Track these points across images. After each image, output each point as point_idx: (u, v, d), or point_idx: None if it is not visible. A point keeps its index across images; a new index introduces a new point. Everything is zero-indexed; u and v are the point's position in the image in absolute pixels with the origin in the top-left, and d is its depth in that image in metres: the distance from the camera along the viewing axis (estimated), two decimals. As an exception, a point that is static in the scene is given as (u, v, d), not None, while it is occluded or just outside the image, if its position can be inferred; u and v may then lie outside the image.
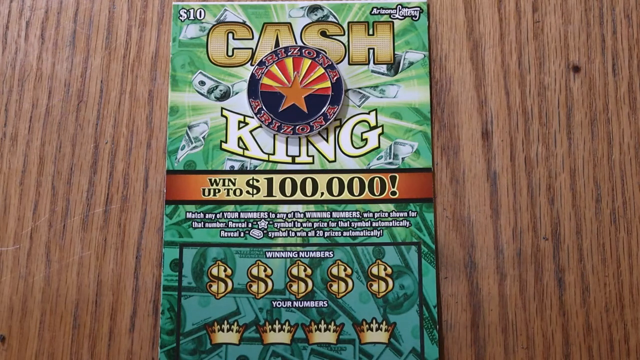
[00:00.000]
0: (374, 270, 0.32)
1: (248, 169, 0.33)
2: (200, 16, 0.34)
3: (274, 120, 0.33)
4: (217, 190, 0.33)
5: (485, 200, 0.32)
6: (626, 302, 0.31)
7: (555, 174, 0.33)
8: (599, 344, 0.31)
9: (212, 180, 0.33)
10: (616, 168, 0.33)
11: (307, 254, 0.32)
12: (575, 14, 0.34)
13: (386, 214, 0.32)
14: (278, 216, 0.32)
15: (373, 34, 0.34)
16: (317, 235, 0.32)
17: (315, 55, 0.34)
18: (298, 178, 0.33)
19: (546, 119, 0.33)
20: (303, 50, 0.34)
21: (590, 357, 0.31)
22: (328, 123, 0.33)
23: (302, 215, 0.32)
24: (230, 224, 0.32)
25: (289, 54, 0.34)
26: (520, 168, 0.33)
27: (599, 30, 0.34)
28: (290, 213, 0.32)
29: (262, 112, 0.33)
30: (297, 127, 0.33)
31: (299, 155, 0.33)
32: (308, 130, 0.33)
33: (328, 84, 0.34)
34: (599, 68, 0.34)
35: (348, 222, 0.32)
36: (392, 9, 0.34)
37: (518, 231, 0.32)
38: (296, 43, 0.34)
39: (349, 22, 0.34)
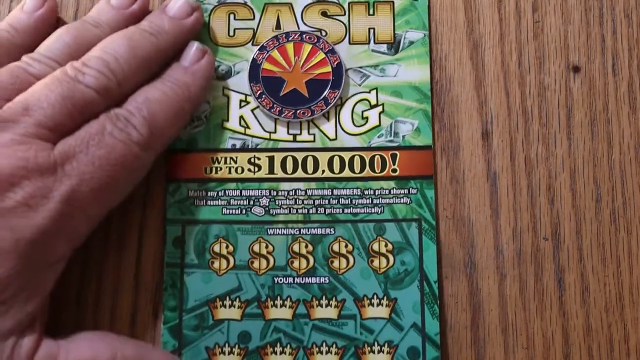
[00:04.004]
0: (375, 247, 0.32)
1: (249, 147, 0.33)
2: (201, -3, 0.35)
3: (275, 105, 0.33)
4: (219, 168, 0.33)
5: (485, 200, 0.33)
6: (626, 302, 0.31)
7: (555, 174, 0.33)
8: (599, 344, 0.31)
9: (214, 159, 0.33)
10: (616, 168, 0.33)
11: (308, 231, 0.32)
12: (575, 14, 0.34)
13: (387, 191, 0.33)
14: (279, 194, 0.33)
15: (373, 14, 0.35)
16: (319, 212, 0.32)
17: (316, 41, 0.34)
18: (299, 156, 0.33)
19: (546, 119, 0.33)
20: (304, 36, 0.34)
21: (590, 357, 0.31)
22: (329, 107, 0.33)
23: (304, 192, 0.33)
24: (232, 201, 0.33)
25: (290, 39, 0.34)
26: (520, 168, 0.33)
27: (599, 30, 0.34)
28: (292, 190, 0.33)
29: (264, 96, 0.34)
30: (298, 112, 0.33)
31: (300, 134, 0.33)
32: (309, 114, 0.33)
33: (329, 68, 0.34)
34: (599, 68, 0.34)
35: (349, 200, 0.33)
36: (392, -11, 0.35)
37: (518, 231, 0.32)
38: (297, 23, 0.35)
39: (349, 2, 0.35)
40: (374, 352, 0.31)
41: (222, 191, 0.33)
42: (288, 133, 0.33)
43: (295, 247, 0.32)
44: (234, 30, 0.35)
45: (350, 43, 0.34)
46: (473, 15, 0.34)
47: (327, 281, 0.32)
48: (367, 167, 0.33)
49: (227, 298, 0.32)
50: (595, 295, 0.31)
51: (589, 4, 0.34)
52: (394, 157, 0.33)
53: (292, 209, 0.33)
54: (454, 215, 0.32)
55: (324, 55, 0.34)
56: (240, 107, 0.34)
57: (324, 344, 0.31)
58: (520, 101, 0.33)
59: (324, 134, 0.33)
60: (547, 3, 0.34)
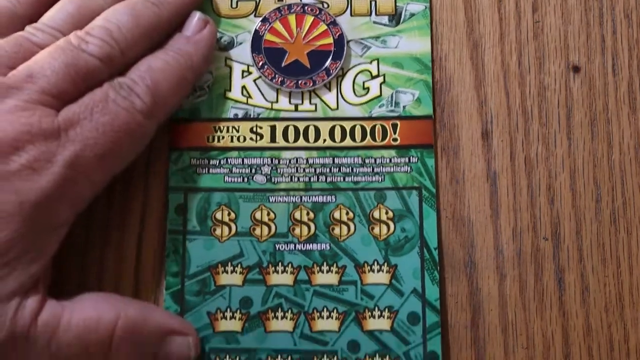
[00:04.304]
0: (376, 214, 0.32)
1: (251, 116, 0.34)
2: (204, -31, 0.35)
3: (277, 75, 0.34)
4: (221, 137, 0.33)
5: (485, 200, 0.33)
6: (626, 302, 0.32)
7: (555, 174, 0.33)
8: (599, 344, 0.31)
9: (216, 128, 0.33)
10: (616, 168, 0.33)
11: (309, 199, 0.33)
12: (575, 14, 0.35)
13: (387, 159, 0.33)
14: (281, 162, 0.33)
15: (375, -14, 0.35)
16: (320, 180, 0.33)
17: (317, 12, 0.35)
18: (301, 125, 0.33)
19: (546, 119, 0.33)
20: (306, 7, 0.35)
21: (590, 357, 0.31)
22: (330, 78, 0.34)
23: (305, 161, 0.33)
24: (234, 169, 0.33)
25: (292, 10, 0.35)
26: (520, 168, 0.33)
27: (599, 30, 0.34)
28: (293, 159, 0.33)
29: (266, 67, 0.34)
30: (300, 82, 0.34)
31: (302, 104, 0.34)
32: (311, 85, 0.34)
33: (330, 40, 0.34)
34: (599, 68, 0.34)
35: (350, 168, 0.33)
36: (393, -39, 0.35)
37: (518, 231, 0.32)
38: (299, -5, 0.35)
39: (351, -26, 0.35)
40: (374, 317, 0.31)
41: (224, 159, 0.33)
42: (290, 103, 0.34)
43: (297, 215, 0.32)
44: (237, 2, 0.35)
45: (351, 15, 0.35)
46: (473, 15, 0.35)
47: (328, 248, 0.32)
48: (368, 137, 0.33)
49: (229, 264, 0.32)
50: (595, 295, 0.32)
51: (589, 4, 0.35)
52: (394, 126, 0.33)
53: (293, 177, 0.33)
54: (454, 215, 0.33)
55: (325, 27, 0.34)
56: (243, 77, 0.34)
57: (325, 309, 0.31)
58: (520, 101, 0.34)
59: (325, 104, 0.34)
60: (547, 3, 0.35)
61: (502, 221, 0.32)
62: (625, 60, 0.34)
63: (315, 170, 0.33)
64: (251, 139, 0.33)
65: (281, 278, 0.32)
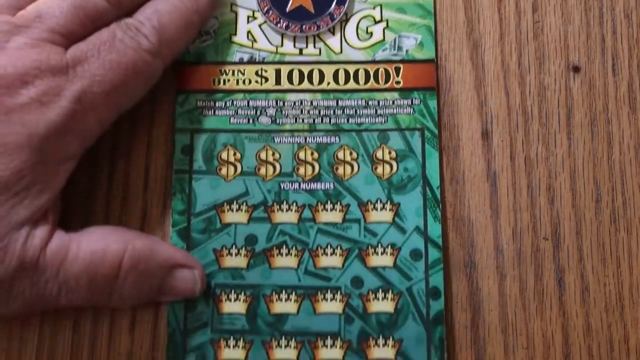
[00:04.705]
0: (379, 154, 0.33)
1: (257, 60, 0.34)
2: None
3: (281, 20, 0.34)
4: (226, 80, 0.34)
5: (485, 200, 0.33)
6: (626, 302, 0.32)
7: (555, 174, 0.33)
8: (599, 344, 0.31)
9: (222, 71, 0.34)
10: (616, 168, 0.33)
11: (313, 139, 0.33)
12: (575, 14, 0.35)
13: (390, 102, 0.33)
14: (286, 104, 0.33)
15: None
16: (324, 122, 0.33)
17: (321, -40, 0.35)
18: (305, 69, 0.34)
19: (546, 119, 0.34)
20: (310, -45, 0.35)
21: (590, 357, 0.31)
22: (334, 22, 0.34)
23: (309, 103, 0.33)
24: (239, 111, 0.33)
25: (296, -42, 0.35)
26: (520, 168, 0.33)
27: (599, 30, 0.34)
28: (298, 101, 0.33)
29: (271, 12, 0.34)
30: (304, 26, 0.34)
31: (306, 47, 0.34)
32: (315, 29, 0.34)
33: (335, -14, 0.35)
34: (599, 68, 0.34)
35: (353, 110, 0.33)
36: None
37: (518, 231, 0.33)
38: (304, -59, 0.35)
39: None
40: (377, 254, 0.32)
41: (230, 101, 0.33)
42: (294, 47, 0.34)
43: (301, 155, 0.33)
44: (242, -52, 0.35)
45: (355, -38, 0.35)
46: (473, 15, 0.35)
47: (332, 187, 0.33)
48: (372, 79, 0.34)
49: (235, 202, 0.32)
50: (595, 295, 0.32)
51: (589, 4, 0.35)
52: (397, 69, 0.34)
53: (298, 119, 0.33)
54: (454, 215, 0.33)
55: (329, -27, 0.35)
56: (248, 22, 0.35)
57: (329, 246, 0.32)
58: (520, 101, 0.34)
59: (329, 48, 0.34)
60: (547, 3, 0.35)
61: (502, 221, 0.33)
62: (625, 60, 0.34)
63: (319, 112, 0.33)
64: (256, 81, 0.34)
65: (286, 216, 0.32)
